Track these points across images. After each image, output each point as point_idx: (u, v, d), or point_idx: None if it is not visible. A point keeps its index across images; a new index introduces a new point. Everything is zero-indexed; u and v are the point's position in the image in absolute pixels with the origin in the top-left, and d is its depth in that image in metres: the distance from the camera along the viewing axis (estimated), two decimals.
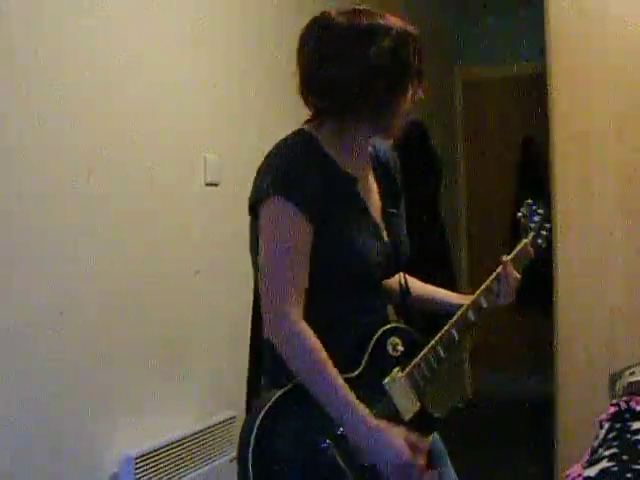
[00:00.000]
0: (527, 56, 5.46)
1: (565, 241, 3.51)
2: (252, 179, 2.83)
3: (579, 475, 2.06)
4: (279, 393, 1.68)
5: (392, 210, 1.92)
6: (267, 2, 3.43)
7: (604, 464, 2.03)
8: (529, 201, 2.15)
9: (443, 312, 1.96)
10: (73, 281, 2.37)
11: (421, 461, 1.71)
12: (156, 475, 2.55)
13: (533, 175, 5.85)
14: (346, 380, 1.70)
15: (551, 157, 3.57)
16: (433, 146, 5.24)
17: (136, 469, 2.47)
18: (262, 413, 1.66)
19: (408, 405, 1.79)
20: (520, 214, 2.14)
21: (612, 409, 2.36)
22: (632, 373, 2.72)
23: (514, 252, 2.03)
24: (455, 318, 1.89)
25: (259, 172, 1.80)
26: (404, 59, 1.78)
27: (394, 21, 1.81)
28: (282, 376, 1.71)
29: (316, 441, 1.68)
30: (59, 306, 2.32)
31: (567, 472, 2.15)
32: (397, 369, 1.80)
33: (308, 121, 1.88)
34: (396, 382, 1.79)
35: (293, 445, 1.67)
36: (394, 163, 2.00)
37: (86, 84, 2.43)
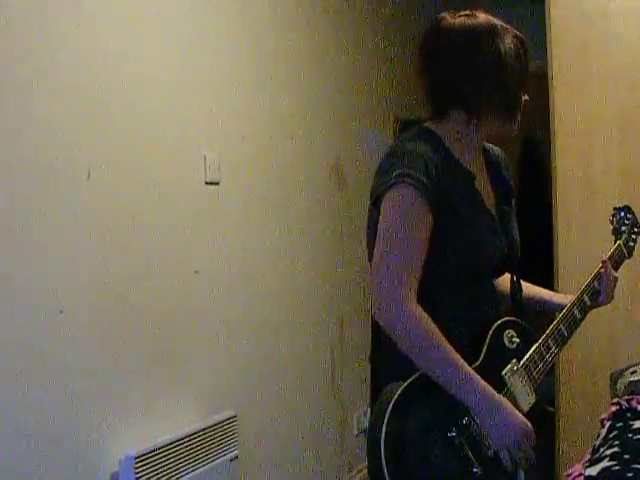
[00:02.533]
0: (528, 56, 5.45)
1: (565, 241, 3.51)
2: (252, 178, 2.84)
3: (580, 474, 2.06)
4: (404, 385, 1.70)
5: (505, 208, 1.97)
6: (266, 3, 3.43)
7: (605, 463, 2.03)
8: (617, 207, 2.29)
9: (545, 311, 2.08)
10: (73, 281, 2.37)
11: (531, 447, 1.76)
12: (156, 475, 2.54)
13: (534, 174, 5.85)
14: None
15: (552, 156, 3.57)
16: None
17: (136, 469, 2.46)
18: (390, 407, 1.67)
19: (526, 397, 1.82)
20: (611, 218, 2.27)
21: (613, 408, 2.36)
22: (633, 372, 2.71)
23: (610, 252, 2.15)
24: (562, 314, 1.98)
25: (380, 166, 1.83)
26: (524, 59, 1.87)
27: (504, 24, 1.89)
28: (404, 368, 1.72)
29: (443, 432, 1.70)
30: (59, 306, 2.32)
31: (568, 471, 2.14)
32: (514, 361, 1.84)
33: (429, 119, 1.92)
34: (515, 374, 1.82)
35: (422, 436, 1.69)
36: (505, 163, 2.05)
37: (86, 84, 2.43)
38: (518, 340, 1.88)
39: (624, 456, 2.03)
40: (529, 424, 1.75)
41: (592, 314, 3.44)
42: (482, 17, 1.86)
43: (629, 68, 3.43)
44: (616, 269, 2.14)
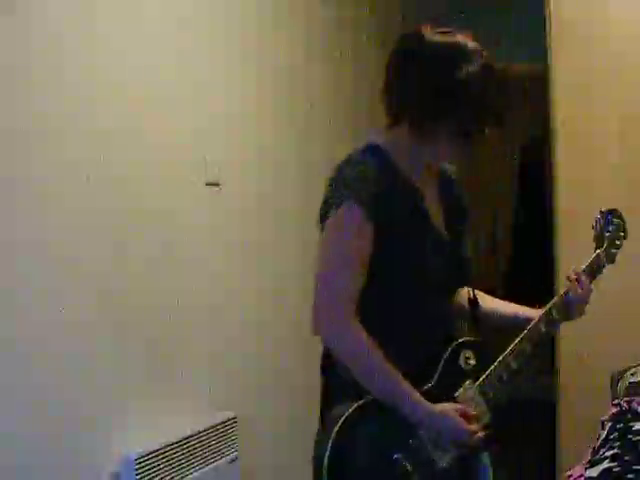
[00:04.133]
0: (528, 56, 5.46)
1: (566, 241, 3.51)
2: (252, 179, 2.84)
3: (581, 475, 2.06)
4: (352, 408, 1.71)
5: (455, 225, 1.95)
6: (266, 3, 3.42)
7: (606, 464, 2.03)
8: (604, 210, 2.19)
9: (511, 326, 1.99)
10: (73, 281, 2.37)
11: (474, 427, 1.77)
12: (156, 475, 2.54)
13: (533, 175, 5.85)
14: (421, 393, 1.75)
15: (552, 157, 3.56)
16: None
17: (136, 469, 2.46)
18: (336, 427, 1.69)
19: (480, 418, 1.82)
20: (595, 223, 2.19)
21: (614, 409, 2.35)
22: (633, 374, 2.71)
23: (587, 263, 2.09)
24: (526, 331, 1.92)
25: (330, 183, 1.84)
26: (488, 86, 1.79)
27: (482, 50, 1.81)
28: (352, 389, 1.74)
29: (389, 453, 1.72)
30: (59, 306, 2.31)
31: (569, 472, 2.14)
32: (469, 381, 1.84)
33: (386, 129, 1.90)
34: (468, 394, 1.82)
35: (367, 457, 1.71)
36: (458, 182, 2.03)
37: (86, 84, 2.43)
38: (474, 361, 1.87)
39: (624, 457, 2.03)
40: (460, 421, 1.75)
41: (592, 314, 3.45)
42: (456, 38, 1.80)
43: (629, 68, 3.43)
44: (593, 278, 2.07)
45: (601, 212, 2.18)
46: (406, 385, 1.74)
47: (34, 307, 2.24)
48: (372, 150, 1.85)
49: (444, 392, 1.81)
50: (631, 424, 2.22)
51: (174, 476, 2.63)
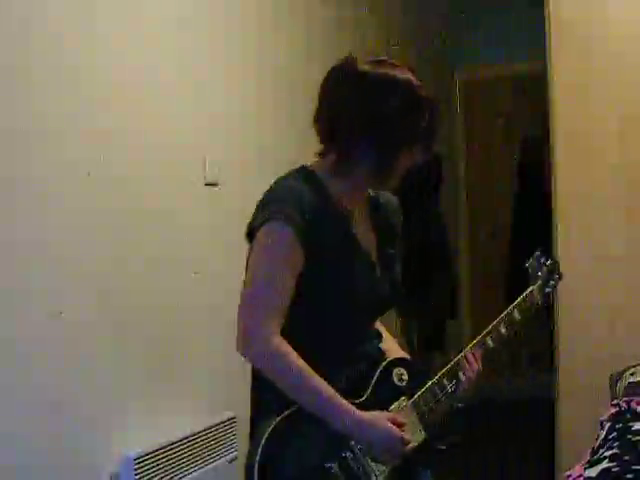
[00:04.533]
0: (527, 56, 5.46)
1: (565, 241, 3.51)
2: (252, 179, 2.84)
3: (580, 475, 2.06)
4: (278, 419, 1.70)
5: (386, 250, 1.94)
6: (266, 3, 3.43)
7: (605, 465, 2.03)
8: (537, 253, 2.20)
9: None
10: (73, 281, 2.37)
11: (406, 435, 1.76)
12: (156, 475, 2.55)
13: (533, 175, 5.85)
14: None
15: (551, 157, 3.57)
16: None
17: (136, 469, 2.46)
18: (264, 439, 1.68)
19: (415, 434, 1.82)
20: (527, 264, 2.18)
21: (613, 409, 2.35)
22: (633, 374, 2.71)
23: (517, 300, 2.09)
24: (460, 355, 1.93)
25: (261, 201, 1.84)
26: (416, 121, 1.80)
27: (415, 81, 1.82)
28: (279, 402, 1.73)
29: (321, 463, 1.70)
30: (59, 306, 2.32)
31: (568, 472, 2.14)
32: (403, 398, 1.84)
33: (317, 155, 1.91)
34: (402, 410, 1.82)
35: (298, 468, 1.69)
36: (393, 206, 2.02)
37: (86, 84, 2.43)
38: (407, 378, 1.87)
39: (624, 457, 2.03)
40: (390, 428, 1.74)
41: (592, 314, 3.45)
42: (386, 69, 1.81)
43: (629, 68, 3.43)
44: (525, 318, 2.06)
45: (535, 255, 2.20)
46: (335, 396, 1.72)
47: (34, 307, 2.24)
48: (304, 173, 1.86)
49: (377, 406, 1.79)
50: (630, 424, 2.22)
51: (173, 476, 2.63)
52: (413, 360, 1.96)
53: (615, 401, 2.43)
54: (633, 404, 2.32)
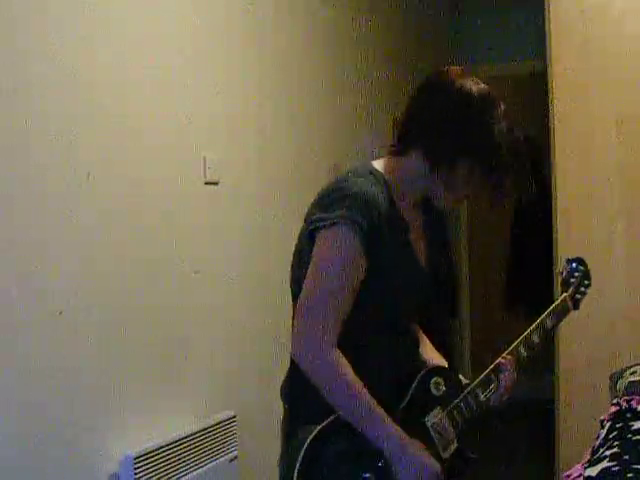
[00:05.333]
0: (527, 55, 5.46)
1: (565, 241, 3.51)
2: (252, 178, 2.82)
3: (580, 475, 2.06)
4: (319, 428, 1.70)
5: (436, 259, 1.95)
6: (266, 3, 3.43)
7: (605, 464, 2.03)
8: (569, 257, 2.23)
9: None
10: (72, 281, 2.37)
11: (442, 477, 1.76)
12: (156, 475, 2.54)
13: (533, 174, 5.84)
14: (389, 415, 1.73)
15: (551, 157, 3.57)
16: None
17: (136, 469, 2.46)
18: (304, 449, 1.68)
19: (447, 444, 1.83)
20: (560, 270, 2.22)
21: (613, 409, 2.35)
22: (633, 373, 2.71)
23: (551, 307, 2.09)
24: (494, 364, 1.95)
25: (326, 196, 1.79)
26: (514, 150, 1.81)
27: (506, 112, 1.85)
28: (319, 411, 1.72)
29: (358, 473, 1.70)
30: (59, 306, 2.31)
31: (568, 472, 2.14)
32: (438, 408, 1.84)
33: (390, 153, 1.89)
34: (437, 420, 1.82)
35: (335, 477, 1.69)
36: (441, 217, 2.03)
37: (86, 84, 2.43)
38: (445, 388, 1.87)
39: (624, 457, 2.03)
40: (437, 466, 1.74)
41: (592, 314, 3.45)
42: (488, 90, 1.83)
43: (629, 68, 3.43)
44: (557, 323, 2.09)
45: (567, 260, 2.22)
46: (385, 417, 1.71)
47: (34, 307, 2.24)
48: (372, 172, 1.83)
49: (413, 417, 1.80)
50: (630, 423, 2.22)
51: (173, 476, 2.63)
52: (449, 368, 1.96)
53: (615, 400, 2.43)
54: (633, 403, 2.32)
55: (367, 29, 4.45)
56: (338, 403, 1.71)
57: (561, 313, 2.11)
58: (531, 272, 5.57)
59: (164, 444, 2.59)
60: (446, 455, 1.82)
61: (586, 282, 2.21)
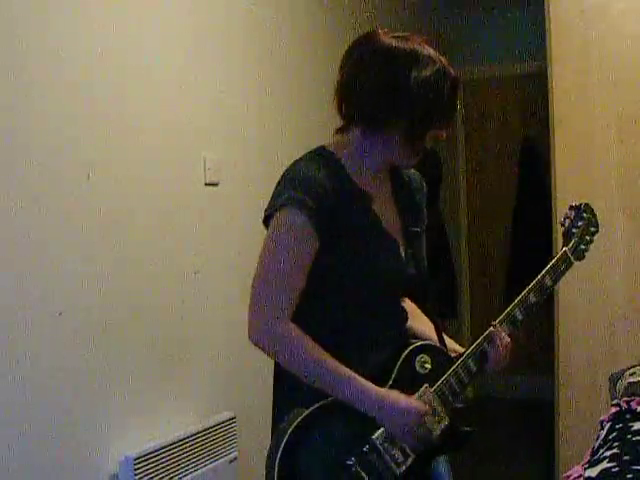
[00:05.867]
0: (527, 55, 5.46)
1: None
2: (252, 179, 2.82)
3: (580, 476, 2.05)
4: (304, 414, 1.71)
5: (411, 229, 1.93)
6: (265, 4, 3.43)
7: (605, 465, 2.02)
8: (575, 204, 2.10)
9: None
10: (72, 281, 2.37)
11: (428, 419, 1.76)
12: (156, 475, 2.54)
13: (533, 175, 5.85)
14: None
15: (551, 157, 3.57)
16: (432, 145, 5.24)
17: (136, 469, 2.46)
18: (287, 434, 1.69)
19: (436, 420, 1.80)
20: (563, 218, 2.10)
21: (613, 409, 2.35)
22: (633, 374, 2.71)
23: (550, 263, 2.01)
24: (485, 333, 1.91)
25: (277, 185, 1.83)
26: (441, 95, 1.78)
27: (438, 56, 1.83)
28: (304, 395, 1.74)
29: (341, 459, 1.70)
30: (59, 306, 2.32)
31: (568, 473, 2.14)
32: (425, 385, 1.81)
33: (336, 132, 1.91)
34: (424, 398, 1.80)
35: (319, 463, 1.70)
36: (417, 184, 2.01)
37: (86, 84, 2.43)
38: (430, 365, 1.84)
39: (623, 457, 2.02)
40: (418, 406, 1.74)
41: (592, 314, 3.45)
42: (411, 42, 1.80)
43: (629, 68, 3.43)
44: (557, 279, 2.01)
45: (571, 206, 2.09)
46: (354, 376, 1.72)
47: (34, 307, 2.24)
48: (322, 154, 1.85)
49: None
50: (630, 424, 2.22)
51: (173, 476, 2.63)
52: (437, 345, 1.92)
53: (615, 401, 2.42)
54: (633, 404, 2.32)
55: (367, 29, 4.44)
56: (301, 372, 1.73)
57: (562, 268, 2.03)
58: (531, 272, 5.57)
59: (164, 445, 2.59)
60: (437, 432, 1.79)
61: (592, 229, 2.09)
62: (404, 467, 1.75)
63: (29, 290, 2.23)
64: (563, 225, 2.09)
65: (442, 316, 4.84)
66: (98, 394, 2.45)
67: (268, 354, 1.80)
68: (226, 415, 2.94)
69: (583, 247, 2.08)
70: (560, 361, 3.54)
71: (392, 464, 1.74)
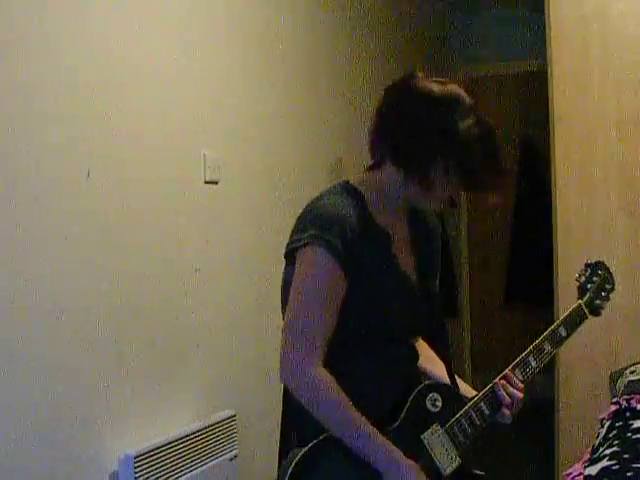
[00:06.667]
0: (527, 54, 5.46)
1: (565, 241, 3.51)
2: (252, 177, 2.82)
3: (580, 474, 2.06)
4: (305, 449, 1.69)
5: (427, 271, 1.94)
6: (266, 3, 3.43)
7: (605, 463, 2.03)
8: (589, 262, 2.17)
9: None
10: (72, 281, 2.37)
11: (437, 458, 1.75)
12: (156, 474, 2.54)
13: (533, 174, 5.85)
14: (383, 433, 1.72)
15: (551, 156, 3.57)
16: None
17: (136, 468, 2.46)
18: (290, 470, 1.67)
19: (447, 460, 1.80)
20: (577, 275, 2.15)
21: (613, 408, 2.35)
22: (633, 372, 2.71)
23: (563, 316, 2.05)
24: (500, 377, 1.91)
25: (301, 218, 1.81)
26: (484, 145, 1.77)
27: (473, 102, 1.81)
28: (309, 432, 1.72)
29: None
30: (59, 306, 2.32)
31: (568, 471, 2.14)
32: (436, 424, 1.81)
33: (367, 170, 1.89)
34: (435, 437, 1.79)
35: None
36: (435, 226, 2.02)
37: (85, 83, 2.43)
38: (441, 404, 1.84)
39: (623, 455, 2.03)
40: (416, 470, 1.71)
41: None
42: (452, 88, 1.80)
43: (629, 68, 3.43)
44: (572, 331, 2.04)
45: (586, 264, 2.17)
46: (375, 433, 1.70)
47: (33, 307, 2.24)
48: (348, 190, 1.84)
49: (409, 434, 1.78)
50: (630, 422, 2.22)
51: (173, 475, 2.63)
52: (449, 384, 1.92)
53: (615, 399, 2.43)
54: (633, 402, 2.32)
55: (367, 28, 4.45)
56: (325, 421, 1.71)
57: (575, 321, 2.07)
58: (531, 272, 5.58)
59: (164, 443, 2.59)
60: (448, 472, 1.79)
61: (607, 286, 2.15)
62: None
63: (29, 290, 2.23)
64: (578, 281, 2.14)
65: (451, 316, 4.79)
66: (98, 392, 2.45)
67: (296, 396, 1.75)
68: (226, 413, 2.94)
69: (598, 302, 2.13)
70: (560, 361, 3.53)
71: None
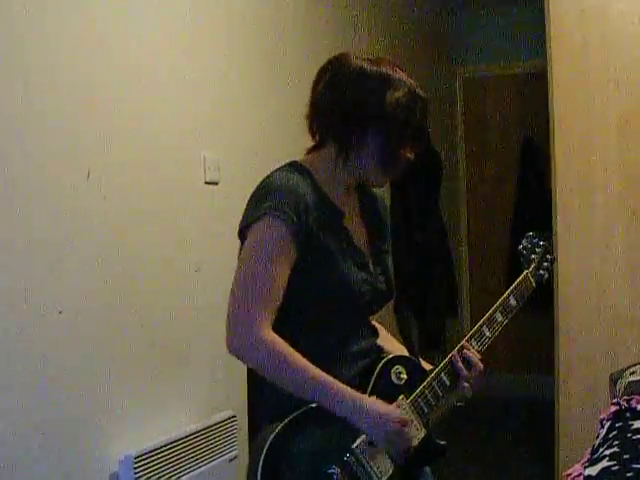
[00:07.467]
0: (528, 55, 5.47)
1: (566, 241, 3.51)
2: (251, 177, 2.80)
3: (580, 474, 2.05)
4: (282, 424, 1.69)
5: (378, 245, 1.96)
6: (266, 3, 3.43)
7: (605, 463, 2.02)
8: (530, 233, 2.21)
9: None
10: (72, 280, 2.37)
11: (405, 426, 1.75)
12: (156, 474, 2.54)
13: (533, 175, 5.85)
14: None
15: (552, 156, 3.57)
16: (433, 145, 5.25)
17: (136, 469, 2.46)
18: (268, 443, 1.67)
19: (414, 432, 1.81)
20: (521, 246, 2.20)
21: (613, 408, 2.35)
22: (633, 373, 2.71)
23: (513, 286, 2.08)
24: (456, 348, 1.93)
25: (251, 199, 1.84)
26: (413, 115, 1.83)
27: (408, 78, 1.86)
28: (283, 406, 1.72)
29: (323, 467, 1.69)
30: (59, 306, 2.31)
31: (568, 471, 2.14)
32: (401, 397, 1.82)
33: (308, 151, 1.95)
34: (401, 409, 1.80)
35: (301, 473, 1.68)
36: (382, 202, 2.04)
37: (85, 83, 2.43)
38: (406, 377, 1.86)
39: (623, 456, 2.03)
40: (397, 412, 1.75)
41: (592, 314, 3.45)
42: (382, 65, 1.85)
43: (629, 68, 3.43)
44: (521, 301, 2.07)
45: (527, 235, 2.21)
46: (333, 382, 1.71)
47: (33, 307, 2.24)
48: (296, 167, 1.87)
49: None
50: (630, 423, 2.22)
51: (173, 475, 2.63)
52: (412, 357, 1.94)
53: (615, 400, 2.43)
54: (633, 403, 2.32)
55: (367, 28, 4.45)
56: (280, 380, 1.72)
57: (523, 291, 2.10)
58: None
59: (164, 444, 2.59)
60: (414, 443, 1.80)
61: (548, 257, 2.20)
62: (386, 477, 1.75)
63: (29, 290, 2.23)
64: (522, 252, 2.21)
65: (442, 316, 4.84)
66: (98, 393, 2.45)
67: (247, 363, 1.79)
68: (226, 414, 2.94)
69: (542, 273, 2.18)
70: (560, 361, 3.54)
71: (373, 474, 1.74)
